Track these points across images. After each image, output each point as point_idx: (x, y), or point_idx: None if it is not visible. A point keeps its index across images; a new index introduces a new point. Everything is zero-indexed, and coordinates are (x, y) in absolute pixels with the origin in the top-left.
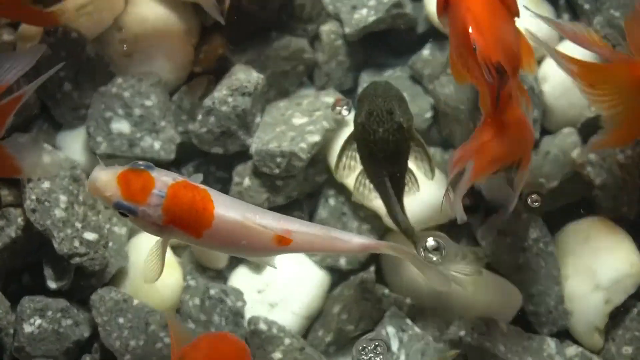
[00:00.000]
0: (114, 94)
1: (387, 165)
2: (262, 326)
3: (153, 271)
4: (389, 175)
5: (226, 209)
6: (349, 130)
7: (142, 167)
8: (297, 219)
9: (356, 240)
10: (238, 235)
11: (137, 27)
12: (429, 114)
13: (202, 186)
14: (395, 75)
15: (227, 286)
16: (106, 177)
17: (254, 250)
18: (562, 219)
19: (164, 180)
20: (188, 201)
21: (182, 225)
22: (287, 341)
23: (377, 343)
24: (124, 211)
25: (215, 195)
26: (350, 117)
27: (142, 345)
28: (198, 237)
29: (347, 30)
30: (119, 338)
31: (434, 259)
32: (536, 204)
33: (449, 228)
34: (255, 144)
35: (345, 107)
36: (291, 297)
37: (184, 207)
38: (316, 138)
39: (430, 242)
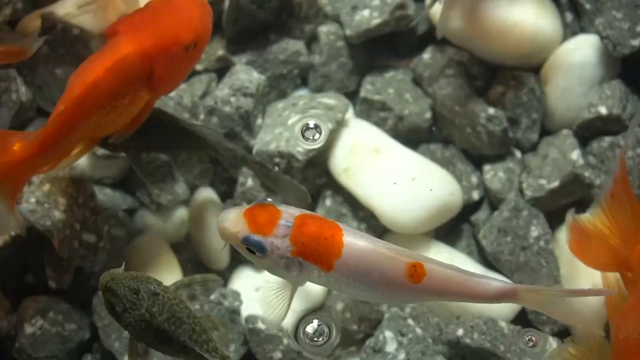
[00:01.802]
0: None
1: (178, 334)
2: (260, 325)
3: (278, 314)
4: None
5: (355, 237)
6: (347, 130)
7: (267, 200)
8: (429, 257)
9: (495, 284)
10: (370, 264)
11: None
12: (428, 115)
13: (330, 219)
14: (398, 78)
15: (227, 290)
16: (233, 216)
17: (386, 286)
18: (562, 218)
19: (290, 212)
20: (316, 229)
21: (312, 256)
22: (285, 341)
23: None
24: (253, 247)
25: (342, 225)
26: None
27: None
28: (329, 269)
29: (349, 32)
30: (119, 339)
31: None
32: (531, 344)
33: (450, 228)
34: (257, 145)
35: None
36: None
37: (312, 234)
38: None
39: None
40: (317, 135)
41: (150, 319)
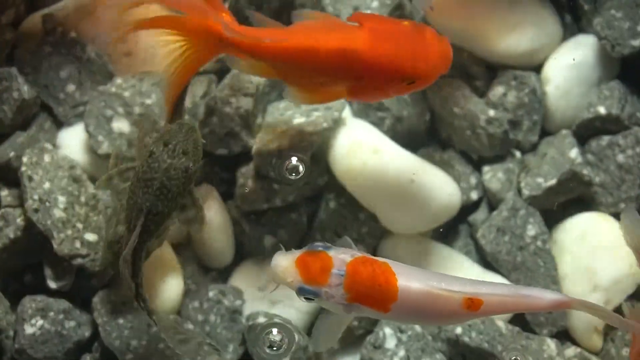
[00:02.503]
0: (113, 93)
1: (153, 200)
2: (261, 320)
3: (327, 341)
4: (147, 212)
5: (409, 280)
6: (345, 129)
7: (320, 248)
8: (484, 281)
9: (549, 296)
10: (425, 304)
11: None
12: (427, 117)
13: (382, 259)
14: None
15: (227, 286)
16: (285, 263)
17: (444, 318)
18: (560, 216)
19: (342, 258)
20: (369, 276)
21: (367, 302)
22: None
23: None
24: (308, 295)
25: (396, 267)
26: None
27: (144, 345)
28: (386, 312)
29: None
30: (119, 338)
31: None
32: None
33: (448, 228)
34: (256, 144)
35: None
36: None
37: (366, 283)
38: (314, 137)
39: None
40: (300, 168)
41: (162, 173)
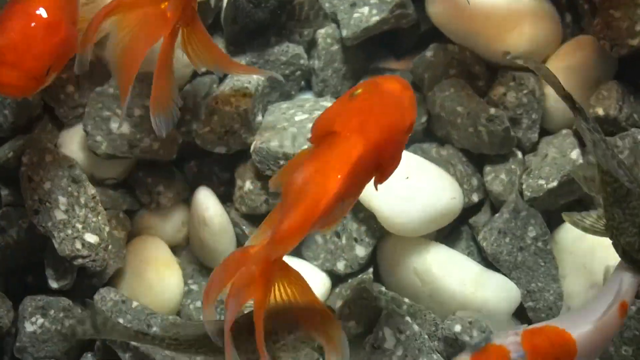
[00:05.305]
0: (111, 94)
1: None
2: None
3: None
4: None
5: (577, 327)
6: None
7: (483, 344)
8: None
9: None
10: (600, 340)
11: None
12: (423, 119)
13: (539, 324)
14: None
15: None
16: None
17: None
18: (560, 218)
19: (512, 340)
20: (548, 344)
21: None
22: None
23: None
24: None
25: (558, 323)
26: None
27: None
28: None
29: (345, 33)
30: None
31: None
32: None
33: (450, 230)
34: (255, 141)
35: None
36: None
37: (549, 350)
38: None
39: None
40: None
41: None
